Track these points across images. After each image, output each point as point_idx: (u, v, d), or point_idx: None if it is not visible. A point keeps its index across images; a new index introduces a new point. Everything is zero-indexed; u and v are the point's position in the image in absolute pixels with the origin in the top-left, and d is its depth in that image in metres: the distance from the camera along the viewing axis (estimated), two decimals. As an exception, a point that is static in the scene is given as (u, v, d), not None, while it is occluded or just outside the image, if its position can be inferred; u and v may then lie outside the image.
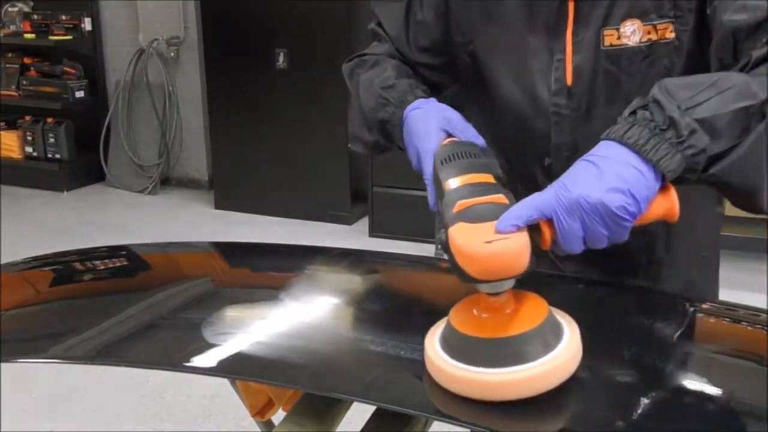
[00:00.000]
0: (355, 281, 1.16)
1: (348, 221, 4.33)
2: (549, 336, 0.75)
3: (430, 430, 1.03)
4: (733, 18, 0.89)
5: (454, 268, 0.74)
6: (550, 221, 0.75)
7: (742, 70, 0.84)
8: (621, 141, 0.77)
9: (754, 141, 0.76)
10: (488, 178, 0.83)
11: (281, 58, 4.28)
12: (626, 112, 0.81)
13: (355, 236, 4.14)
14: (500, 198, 0.78)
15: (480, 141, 0.95)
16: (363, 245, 3.90)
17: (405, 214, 4.00)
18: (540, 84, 1.05)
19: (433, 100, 1.03)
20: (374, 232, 4.11)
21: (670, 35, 0.97)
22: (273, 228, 4.30)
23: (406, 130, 1.00)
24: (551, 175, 1.02)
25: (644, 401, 0.76)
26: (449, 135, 0.95)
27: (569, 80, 1.02)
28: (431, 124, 0.96)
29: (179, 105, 5.02)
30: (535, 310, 0.77)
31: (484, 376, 0.72)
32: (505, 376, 0.72)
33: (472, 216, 0.76)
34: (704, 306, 1.04)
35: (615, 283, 1.12)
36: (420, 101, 1.02)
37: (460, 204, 0.78)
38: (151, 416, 2.57)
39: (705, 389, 0.83)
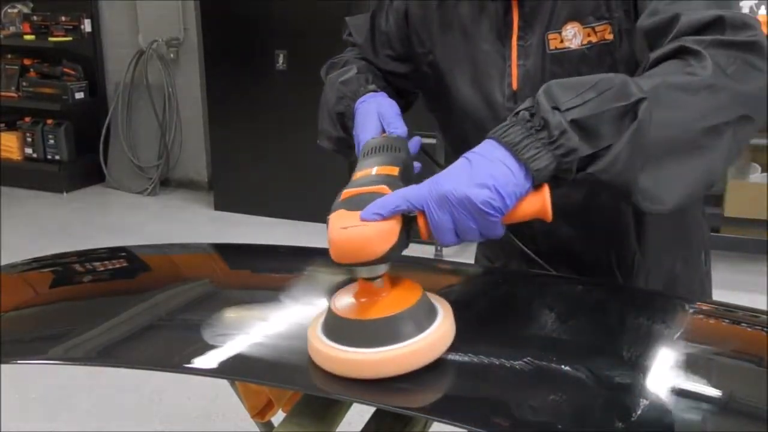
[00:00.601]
0: (354, 282, 1.16)
1: (347, 222, 4.32)
2: (421, 317, 0.80)
3: (430, 430, 1.03)
4: (645, 22, 0.91)
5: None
6: (424, 213, 0.79)
7: (644, 71, 0.86)
8: (498, 140, 0.79)
9: (627, 141, 0.77)
10: (393, 170, 0.87)
11: (281, 60, 4.29)
12: (513, 112, 0.84)
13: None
14: (383, 189, 0.82)
15: (402, 131, 0.99)
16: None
17: (404, 215, 4.00)
18: (496, 90, 1.08)
19: (381, 94, 1.07)
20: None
21: (609, 36, 0.99)
22: (272, 229, 4.30)
23: (355, 123, 1.05)
24: None
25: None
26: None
27: (515, 85, 1.05)
28: (371, 117, 1.02)
29: (179, 106, 5.03)
30: (408, 294, 0.81)
31: (357, 355, 0.77)
32: (376, 355, 0.77)
33: (352, 204, 0.80)
34: (703, 307, 1.04)
35: (614, 286, 1.13)
36: (368, 95, 1.07)
37: (346, 192, 0.83)
38: (150, 417, 2.57)
39: (704, 390, 0.83)
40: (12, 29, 5.25)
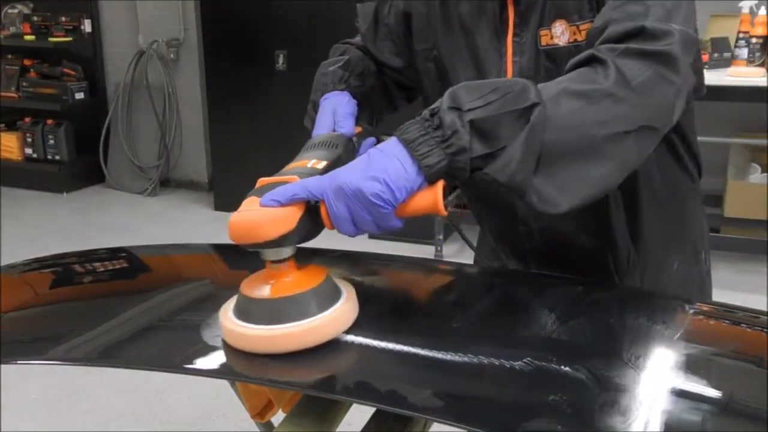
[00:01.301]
0: (354, 283, 1.16)
1: (347, 223, 4.32)
2: (323, 298, 0.87)
3: (430, 430, 1.03)
4: (592, 25, 0.94)
5: None
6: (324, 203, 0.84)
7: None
8: (398, 137, 0.84)
9: (521, 143, 0.80)
10: (318, 163, 0.93)
11: (281, 60, 4.29)
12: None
13: (354, 237, 4.11)
14: (292, 178, 0.87)
15: (348, 130, 1.04)
16: (362, 247, 3.89)
17: (404, 215, 4.00)
18: None
19: (343, 93, 1.10)
20: (374, 233, 4.09)
21: None
22: (273, 229, 4.30)
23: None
24: None
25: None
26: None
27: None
28: (326, 114, 1.06)
29: (179, 107, 5.03)
30: (312, 277, 0.88)
31: (260, 331, 0.84)
32: (278, 330, 0.83)
33: (262, 192, 0.85)
34: (703, 308, 1.04)
35: (614, 286, 1.13)
36: (332, 93, 1.11)
37: (260, 181, 0.89)
38: (150, 418, 2.57)
39: (704, 390, 0.83)
40: (12, 29, 5.25)
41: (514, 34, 1.05)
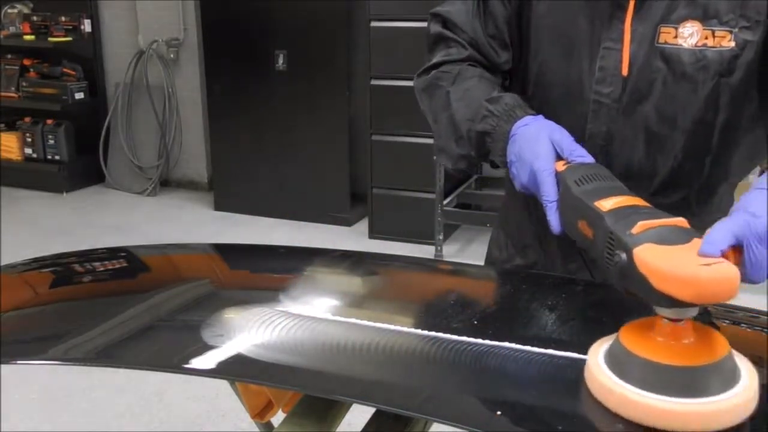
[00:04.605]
0: (354, 283, 1.16)
1: (348, 222, 4.33)
2: (728, 373, 0.73)
3: (430, 430, 1.03)
4: None
5: (644, 291, 0.73)
6: (736, 249, 0.74)
7: None
8: None
9: None
10: (641, 201, 0.83)
11: (281, 60, 4.29)
12: None
13: (354, 238, 4.14)
14: (681, 221, 0.77)
15: (590, 159, 0.93)
16: (363, 247, 3.90)
17: (405, 215, 4.00)
18: (584, 69, 1.05)
19: (540, 117, 1.00)
20: (374, 233, 4.11)
21: (728, 44, 0.97)
22: (272, 229, 4.30)
23: (514, 146, 0.98)
24: None
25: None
26: (558, 155, 0.94)
27: (625, 70, 1.02)
28: (543, 142, 0.95)
29: (179, 106, 5.03)
30: (716, 345, 0.74)
31: (665, 404, 0.70)
32: (688, 407, 0.69)
33: (660, 238, 0.74)
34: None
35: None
36: (528, 117, 1.00)
37: (643, 225, 0.76)
38: (150, 418, 2.57)
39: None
40: (12, 29, 5.25)
41: (631, 23, 1.00)
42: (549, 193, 0.91)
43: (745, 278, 0.74)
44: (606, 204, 0.81)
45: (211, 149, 4.81)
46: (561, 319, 0.94)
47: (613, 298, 1.05)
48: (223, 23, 4.43)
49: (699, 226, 0.77)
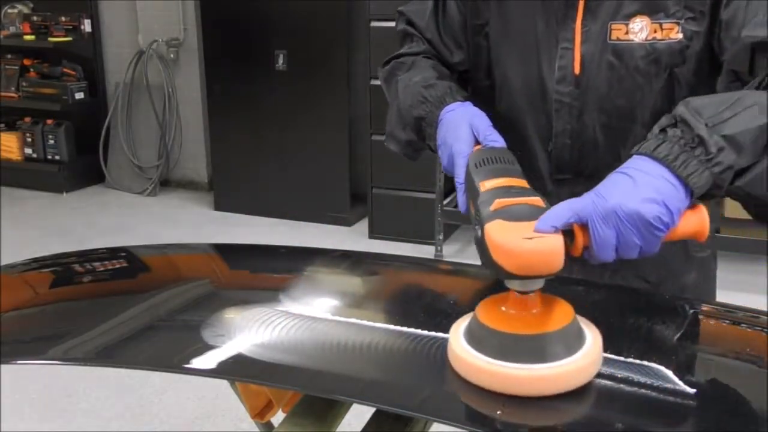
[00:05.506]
0: (354, 283, 1.16)
1: (348, 222, 4.33)
2: (572, 339, 0.77)
3: (430, 430, 1.03)
4: (753, 34, 0.91)
5: (488, 264, 0.77)
6: (584, 228, 0.77)
7: (758, 87, 0.86)
8: (653, 156, 0.79)
9: None
10: (522, 182, 0.85)
11: (280, 60, 4.29)
12: (655, 129, 0.83)
13: (354, 238, 4.14)
14: (537, 200, 0.81)
15: (501, 143, 0.96)
16: (363, 247, 3.89)
17: (404, 215, 4.00)
18: (544, 71, 1.07)
19: (468, 104, 1.04)
20: (374, 233, 4.11)
21: (676, 36, 0.99)
22: (272, 229, 4.30)
23: (441, 131, 1.02)
24: (552, 159, 1.09)
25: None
26: (476, 139, 0.97)
27: (577, 69, 1.04)
28: (464, 127, 0.98)
29: (179, 106, 5.02)
30: (561, 314, 0.78)
31: (510, 370, 0.74)
32: (531, 372, 0.74)
33: (510, 215, 0.78)
34: (704, 308, 1.04)
35: (614, 286, 1.12)
36: (456, 104, 1.04)
37: (498, 203, 0.80)
38: (150, 417, 2.56)
39: (705, 390, 0.83)
40: (12, 29, 5.25)
41: (581, 22, 1.02)
42: (459, 175, 0.94)
43: (593, 257, 0.77)
44: (487, 184, 0.85)
45: (211, 149, 4.81)
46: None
47: (613, 298, 1.05)
48: (223, 23, 4.43)
49: None
